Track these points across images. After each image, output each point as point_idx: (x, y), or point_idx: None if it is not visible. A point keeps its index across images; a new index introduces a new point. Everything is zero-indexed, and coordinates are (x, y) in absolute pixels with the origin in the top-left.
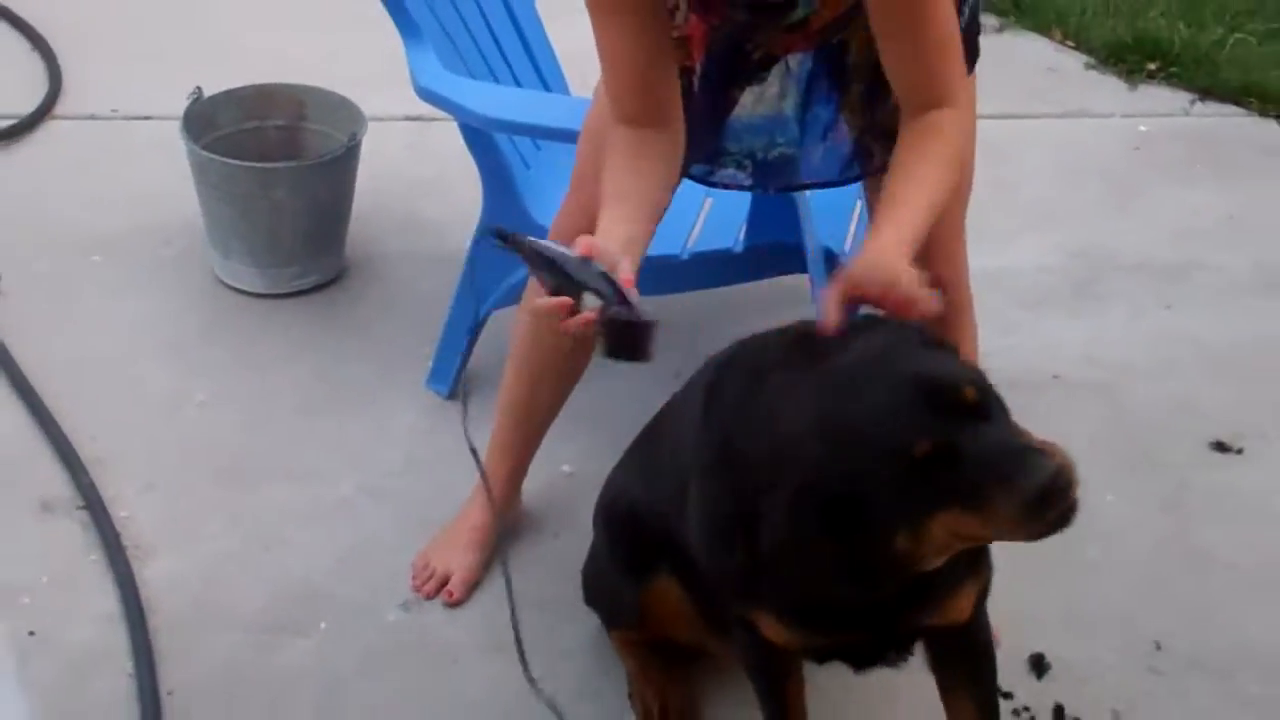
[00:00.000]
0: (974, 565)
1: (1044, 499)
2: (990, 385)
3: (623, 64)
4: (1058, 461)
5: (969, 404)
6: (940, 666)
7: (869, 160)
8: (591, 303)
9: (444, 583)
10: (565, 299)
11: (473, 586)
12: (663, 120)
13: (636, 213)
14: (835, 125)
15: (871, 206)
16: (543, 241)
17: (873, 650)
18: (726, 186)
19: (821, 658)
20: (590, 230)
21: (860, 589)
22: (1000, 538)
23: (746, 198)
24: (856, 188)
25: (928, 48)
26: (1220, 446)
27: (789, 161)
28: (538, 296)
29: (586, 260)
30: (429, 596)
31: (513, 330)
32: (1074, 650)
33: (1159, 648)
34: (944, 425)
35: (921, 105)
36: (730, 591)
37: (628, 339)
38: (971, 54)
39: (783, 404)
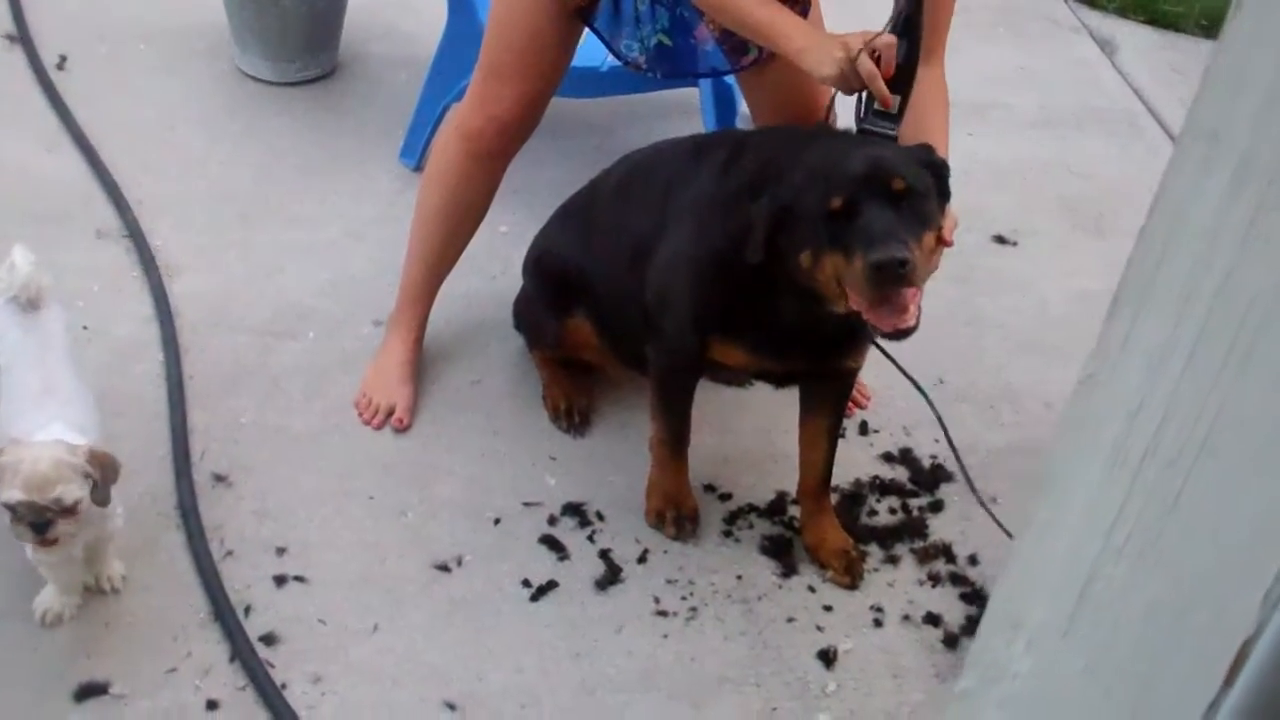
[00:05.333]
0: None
1: (877, 268)
2: (929, 192)
3: None
4: (900, 256)
5: (892, 190)
6: (813, 395)
7: (742, 57)
8: None
9: (390, 413)
10: None
11: (414, 411)
12: None
13: None
14: (697, 26)
15: (745, 94)
16: None
17: (792, 377)
18: (625, 61)
19: (756, 377)
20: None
21: (779, 299)
22: (856, 291)
23: None
24: None
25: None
26: (1000, 239)
27: (669, 51)
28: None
29: None
30: (379, 427)
31: (424, 184)
32: (876, 382)
33: (941, 382)
34: (864, 195)
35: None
36: (697, 322)
37: None
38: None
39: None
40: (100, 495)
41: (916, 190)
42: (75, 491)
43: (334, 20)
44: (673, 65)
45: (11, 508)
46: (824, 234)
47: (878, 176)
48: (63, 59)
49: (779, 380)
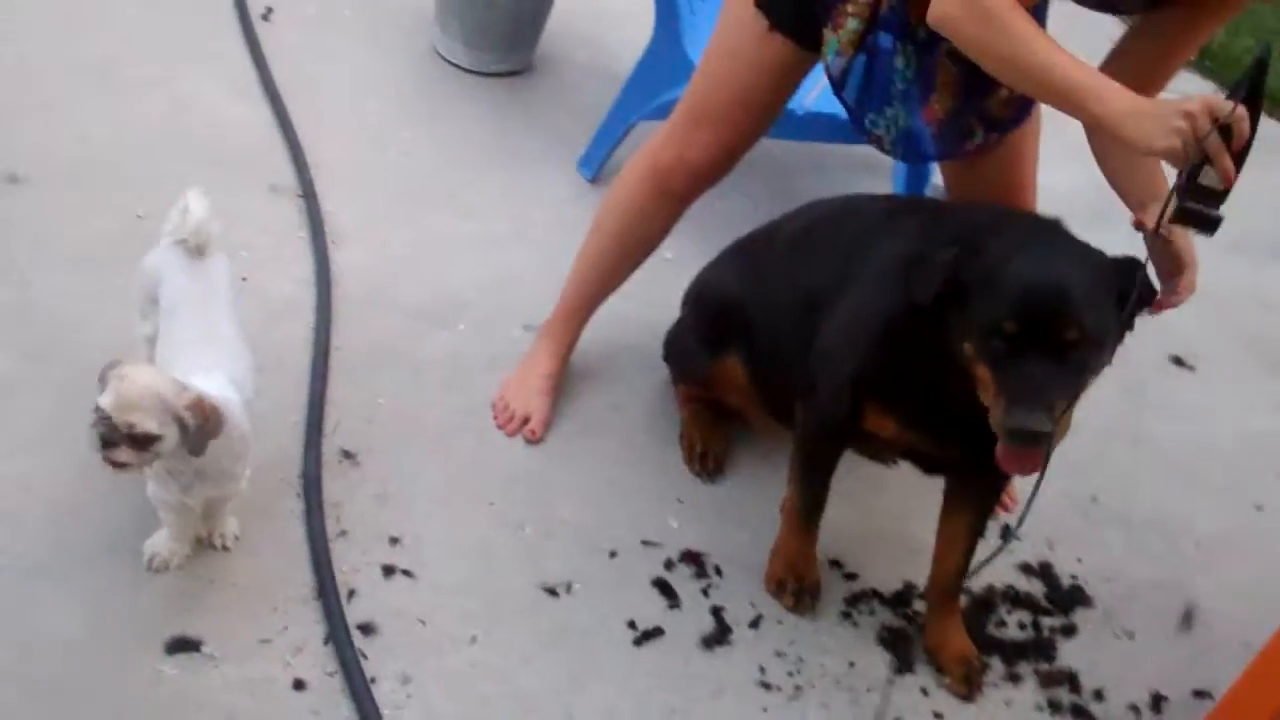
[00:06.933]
0: None
1: (1011, 433)
2: (1104, 337)
3: None
4: (1037, 429)
5: (1064, 338)
6: (960, 489)
7: (967, 140)
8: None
9: (525, 422)
10: None
11: (549, 425)
12: None
13: None
14: (924, 108)
15: (948, 176)
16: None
17: (942, 464)
18: (868, 135)
19: (905, 457)
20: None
21: (945, 376)
22: (992, 425)
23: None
24: None
25: None
26: (1178, 361)
27: (909, 133)
28: (663, 161)
29: None
30: (512, 434)
31: (604, 206)
32: (1026, 489)
33: (1094, 500)
34: (1032, 334)
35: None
36: (856, 383)
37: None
38: None
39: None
40: (193, 444)
41: (1090, 340)
42: (150, 426)
43: (538, 19)
44: (909, 148)
45: (96, 411)
46: (986, 344)
47: (1057, 318)
48: (269, 10)
49: (929, 465)
